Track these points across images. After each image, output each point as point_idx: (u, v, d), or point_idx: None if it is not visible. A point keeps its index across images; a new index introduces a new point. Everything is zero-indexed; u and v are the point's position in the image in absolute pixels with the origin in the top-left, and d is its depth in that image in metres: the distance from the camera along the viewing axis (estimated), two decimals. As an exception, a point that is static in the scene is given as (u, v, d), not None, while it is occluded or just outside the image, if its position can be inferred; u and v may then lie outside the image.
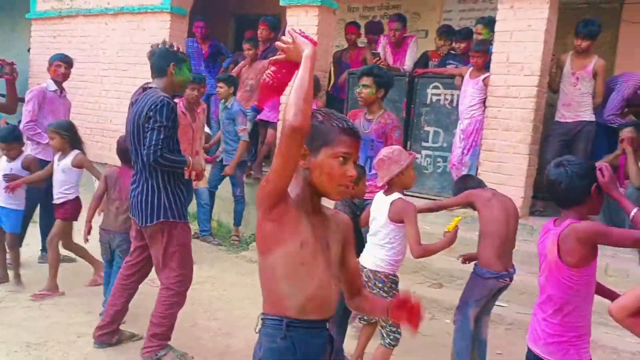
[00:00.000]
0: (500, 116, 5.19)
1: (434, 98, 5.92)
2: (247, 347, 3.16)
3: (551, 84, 5.46)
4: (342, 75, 6.57)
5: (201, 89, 5.50)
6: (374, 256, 3.17)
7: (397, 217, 3.08)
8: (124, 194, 3.74)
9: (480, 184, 3.56)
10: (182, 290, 3.38)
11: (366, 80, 4.13)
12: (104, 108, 8.19)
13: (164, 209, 3.26)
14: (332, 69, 6.91)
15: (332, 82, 6.94)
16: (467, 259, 3.50)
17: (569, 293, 2.20)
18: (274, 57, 1.77)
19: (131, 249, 3.56)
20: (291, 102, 1.51)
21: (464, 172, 5.29)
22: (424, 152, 5.96)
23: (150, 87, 3.33)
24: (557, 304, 2.23)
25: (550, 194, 2.31)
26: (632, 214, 2.27)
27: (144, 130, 3.18)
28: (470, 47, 5.78)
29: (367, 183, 3.65)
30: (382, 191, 3.26)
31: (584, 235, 2.15)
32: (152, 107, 3.15)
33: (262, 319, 1.69)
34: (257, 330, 1.70)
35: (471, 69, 5.48)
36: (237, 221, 6.26)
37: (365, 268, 3.16)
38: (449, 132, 5.82)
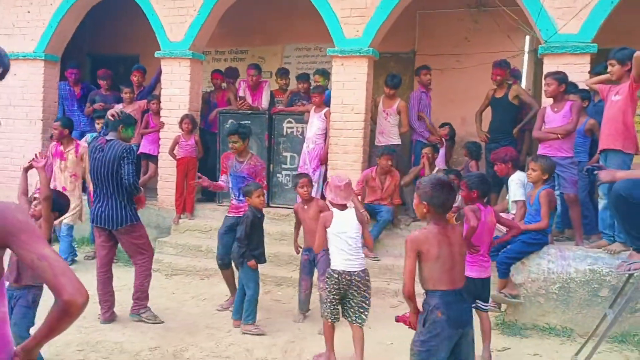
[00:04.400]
0: (340, 143, 7.07)
1: (289, 130, 7.64)
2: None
3: (373, 118, 7.51)
4: (212, 113, 8.02)
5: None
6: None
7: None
8: None
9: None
10: (150, 265, 5.10)
11: (234, 138, 5.25)
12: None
13: (130, 216, 4.92)
14: (201, 107, 8.27)
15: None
16: None
17: None
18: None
19: (100, 252, 4.98)
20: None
21: (314, 187, 7.04)
22: (283, 172, 7.65)
23: (112, 139, 4.85)
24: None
25: (487, 189, 4.34)
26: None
27: (119, 165, 4.71)
28: (310, 87, 7.66)
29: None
30: (337, 208, 4.21)
31: None
32: (125, 150, 4.75)
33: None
34: None
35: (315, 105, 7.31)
36: None
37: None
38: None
